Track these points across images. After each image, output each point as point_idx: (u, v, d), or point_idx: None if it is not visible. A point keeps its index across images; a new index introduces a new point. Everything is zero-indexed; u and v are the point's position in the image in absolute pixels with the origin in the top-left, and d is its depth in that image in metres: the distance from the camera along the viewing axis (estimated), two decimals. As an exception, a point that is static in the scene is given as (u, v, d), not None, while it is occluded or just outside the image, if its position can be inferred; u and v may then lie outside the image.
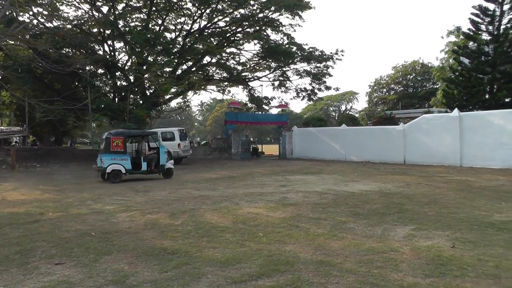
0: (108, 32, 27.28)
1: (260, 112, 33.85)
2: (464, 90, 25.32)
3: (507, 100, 24.04)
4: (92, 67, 26.97)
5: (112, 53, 28.74)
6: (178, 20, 29.68)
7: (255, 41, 29.97)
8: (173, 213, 8.44)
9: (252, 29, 30.19)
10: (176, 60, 28.06)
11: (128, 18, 27.67)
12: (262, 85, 49.06)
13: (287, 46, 30.06)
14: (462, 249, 5.66)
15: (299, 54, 30.40)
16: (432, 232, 6.62)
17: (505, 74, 23.95)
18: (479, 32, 26.13)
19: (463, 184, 12.62)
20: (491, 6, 25.22)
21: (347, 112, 76.29)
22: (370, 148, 23.23)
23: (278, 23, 29.68)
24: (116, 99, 28.66)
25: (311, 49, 30.50)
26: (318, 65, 31.47)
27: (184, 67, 31.15)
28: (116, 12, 26.20)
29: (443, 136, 20.07)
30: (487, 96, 24.81)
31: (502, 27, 24.91)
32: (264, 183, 13.71)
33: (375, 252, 5.55)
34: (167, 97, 30.46)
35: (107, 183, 14.38)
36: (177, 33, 30.04)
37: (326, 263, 5.09)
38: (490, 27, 25.45)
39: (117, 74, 28.85)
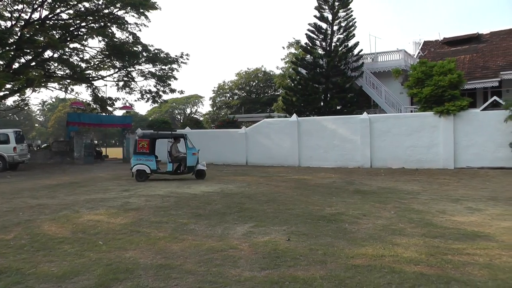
0: None
1: (104, 114, 31.95)
2: (302, 98, 27.58)
3: (338, 107, 26.93)
4: None
5: None
6: (16, 7, 26.12)
7: (100, 38, 28.25)
8: (5, 226, 7.49)
9: (97, 25, 28.36)
10: (12, 52, 24.74)
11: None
12: (106, 85, 46.50)
13: (132, 45, 29.03)
14: (296, 241, 6.04)
15: (145, 55, 29.69)
16: (270, 228, 6.93)
17: (336, 85, 26.82)
18: (315, 47, 28.83)
19: (300, 183, 13.67)
20: (324, 25, 28.11)
21: (192, 115, 76.83)
22: (213, 150, 23.44)
23: (124, 21, 28.48)
24: None
25: (156, 51, 30.03)
26: (164, 67, 31.09)
27: (22, 60, 27.66)
28: None
29: (283, 139, 21.53)
30: (322, 104, 27.42)
31: (333, 44, 27.94)
32: (107, 188, 13.07)
33: (214, 251, 5.61)
34: (1, 94, 26.71)
35: None
36: (13, 22, 26.40)
37: (166, 266, 5.05)
38: (324, 44, 28.30)
39: None
